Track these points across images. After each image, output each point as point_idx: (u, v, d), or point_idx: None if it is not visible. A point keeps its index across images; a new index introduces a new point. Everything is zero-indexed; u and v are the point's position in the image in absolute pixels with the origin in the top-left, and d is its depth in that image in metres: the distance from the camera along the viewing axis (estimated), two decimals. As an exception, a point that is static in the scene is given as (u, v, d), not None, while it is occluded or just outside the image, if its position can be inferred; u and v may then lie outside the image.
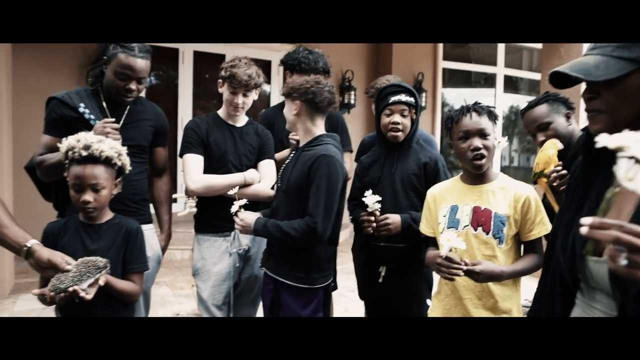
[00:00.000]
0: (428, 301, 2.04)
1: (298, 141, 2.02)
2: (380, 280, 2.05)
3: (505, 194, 1.60)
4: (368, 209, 1.92)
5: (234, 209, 1.89)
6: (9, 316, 3.44)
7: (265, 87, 6.02)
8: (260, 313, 2.24)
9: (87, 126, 1.84)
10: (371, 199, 1.91)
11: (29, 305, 3.62)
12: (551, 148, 1.80)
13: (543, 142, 1.89)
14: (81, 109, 1.89)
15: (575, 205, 1.07)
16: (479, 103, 1.65)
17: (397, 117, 2.02)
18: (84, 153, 1.55)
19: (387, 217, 1.93)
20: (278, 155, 2.32)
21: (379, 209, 1.92)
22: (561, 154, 1.81)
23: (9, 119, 3.97)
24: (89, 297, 1.45)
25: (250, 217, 1.87)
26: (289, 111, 1.93)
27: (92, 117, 1.89)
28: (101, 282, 1.48)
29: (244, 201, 1.90)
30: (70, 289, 1.41)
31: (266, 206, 2.09)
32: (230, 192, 1.91)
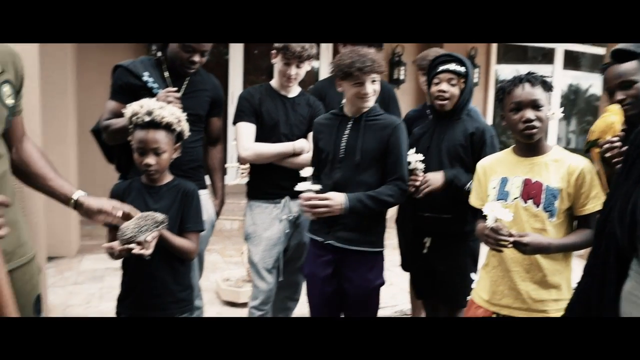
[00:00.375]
0: (472, 275, 2.05)
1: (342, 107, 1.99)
2: (425, 251, 2.07)
3: (559, 167, 1.57)
4: (409, 166, 1.93)
5: (314, 186, 1.82)
6: (76, 274, 3.73)
7: (314, 63, 6.02)
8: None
9: (150, 94, 1.92)
10: (413, 157, 1.93)
11: (93, 265, 3.91)
12: (614, 114, 1.58)
13: (620, 101, 1.69)
14: (145, 78, 1.99)
15: (637, 174, 1.04)
16: (533, 73, 1.60)
17: (444, 86, 2.00)
18: (147, 118, 1.64)
19: (425, 176, 1.94)
20: None
21: (420, 168, 1.93)
22: (634, 122, 1.59)
23: (74, 88, 4.21)
24: (149, 252, 1.54)
25: (339, 197, 1.79)
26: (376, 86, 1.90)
27: (155, 85, 1.99)
28: (149, 238, 1.53)
29: (318, 186, 1.84)
30: (132, 244, 1.50)
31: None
32: (304, 174, 1.87)
